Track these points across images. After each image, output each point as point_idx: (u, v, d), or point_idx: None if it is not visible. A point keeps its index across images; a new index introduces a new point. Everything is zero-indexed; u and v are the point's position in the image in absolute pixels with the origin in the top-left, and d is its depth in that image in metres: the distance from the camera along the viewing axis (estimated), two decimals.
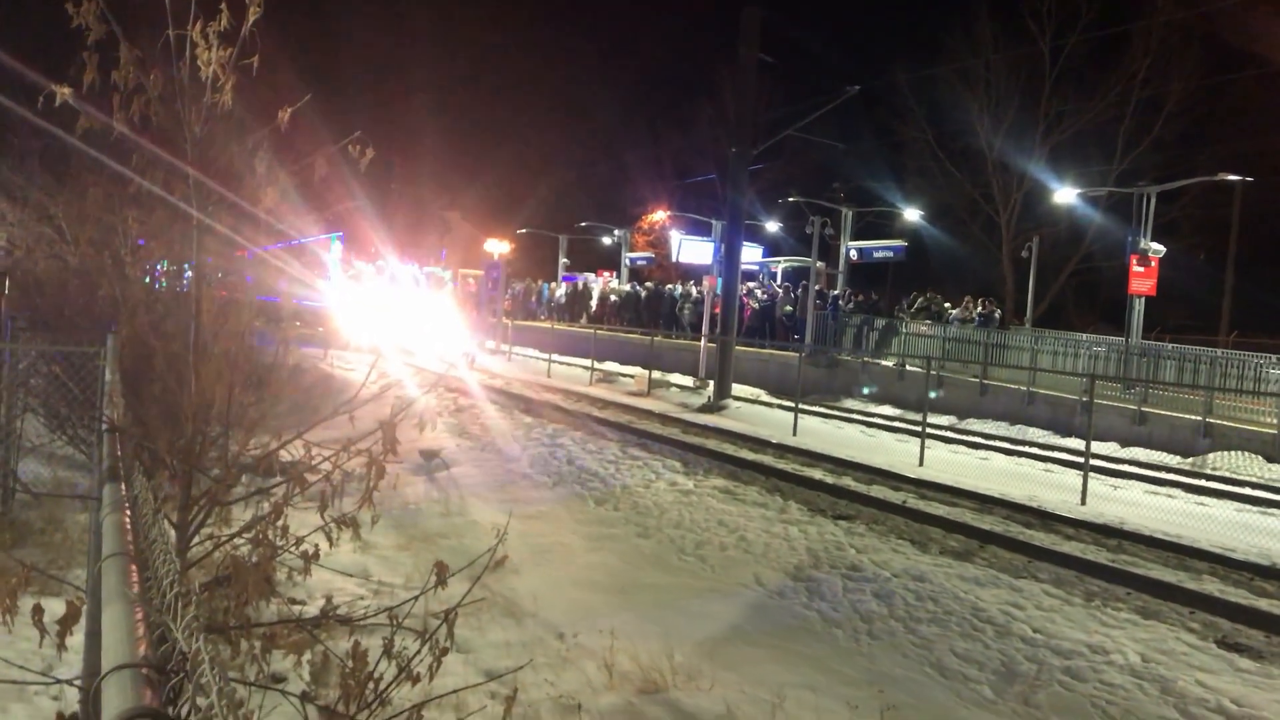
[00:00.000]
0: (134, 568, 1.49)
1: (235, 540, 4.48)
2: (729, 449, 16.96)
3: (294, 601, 7.36)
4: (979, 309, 28.32)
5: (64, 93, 3.59)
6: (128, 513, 2.07)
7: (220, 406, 4.08)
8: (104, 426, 3.99)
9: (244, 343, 4.23)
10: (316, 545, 4.65)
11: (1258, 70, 33.91)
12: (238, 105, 4.14)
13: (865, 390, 27.26)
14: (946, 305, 29.74)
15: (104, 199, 6.22)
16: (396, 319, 32.26)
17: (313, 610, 6.64)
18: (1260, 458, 18.24)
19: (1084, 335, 28.51)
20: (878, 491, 13.82)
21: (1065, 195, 32.78)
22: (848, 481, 14.51)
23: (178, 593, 1.34)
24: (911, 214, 37.71)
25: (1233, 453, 18.66)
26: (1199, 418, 19.73)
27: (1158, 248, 24.05)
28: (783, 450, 17.00)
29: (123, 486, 2.42)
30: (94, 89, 3.71)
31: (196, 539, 4.36)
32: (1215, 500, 14.69)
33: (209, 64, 3.90)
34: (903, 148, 45.32)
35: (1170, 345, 25.21)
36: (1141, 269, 23.92)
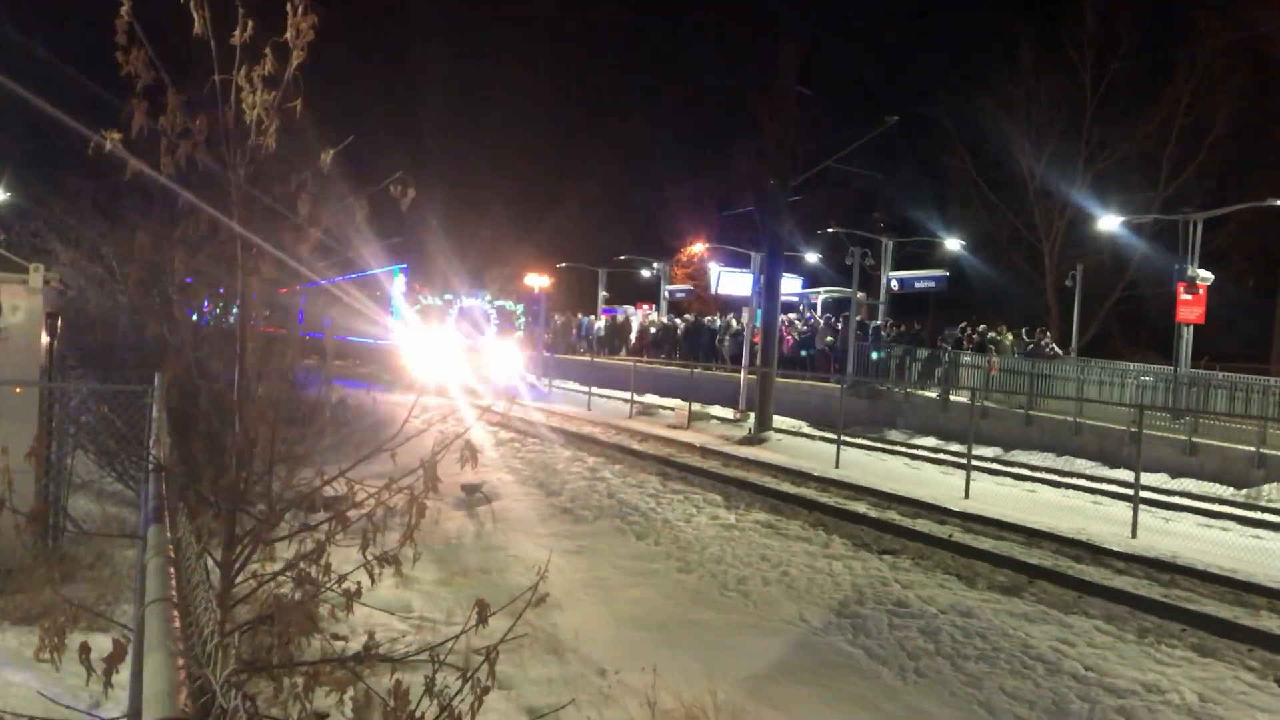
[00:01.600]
0: (176, 613, 1.49)
1: (279, 578, 4.50)
2: (770, 482, 16.83)
3: (336, 637, 7.37)
4: (1029, 339, 27.98)
5: (113, 138, 3.67)
6: (172, 554, 2.08)
7: (264, 444, 4.11)
8: (150, 466, 4.04)
9: (288, 381, 4.27)
10: (358, 582, 4.66)
11: None
12: (283, 147, 4.21)
13: (908, 421, 27.01)
14: (1000, 334, 28.93)
15: (151, 241, 6.34)
16: (463, 355, 31.55)
17: (355, 646, 6.64)
18: None
19: (1131, 364, 28.07)
20: (923, 525, 13.64)
21: (1109, 223, 32.36)
22: (892, 515, 14.33)
23: (218, 643, 1.33)
24: (953, 243, 37.43)
25: None
26: (1252, 448, 19.30)
27: (1206, 275, 23.64)
28: (825, 483, 16.85)
29: (167, 527, 2.44)
30: (142, 134, 3.79)
31: (241, 576, 4.38)
32: (1271, 533, 14.30)
33: (253, 108, 3.97)
34: (943, 177, 45.13)
35: (1220, 374, 24.71)
36: (1189, 297, 23.52)
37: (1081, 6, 39.71)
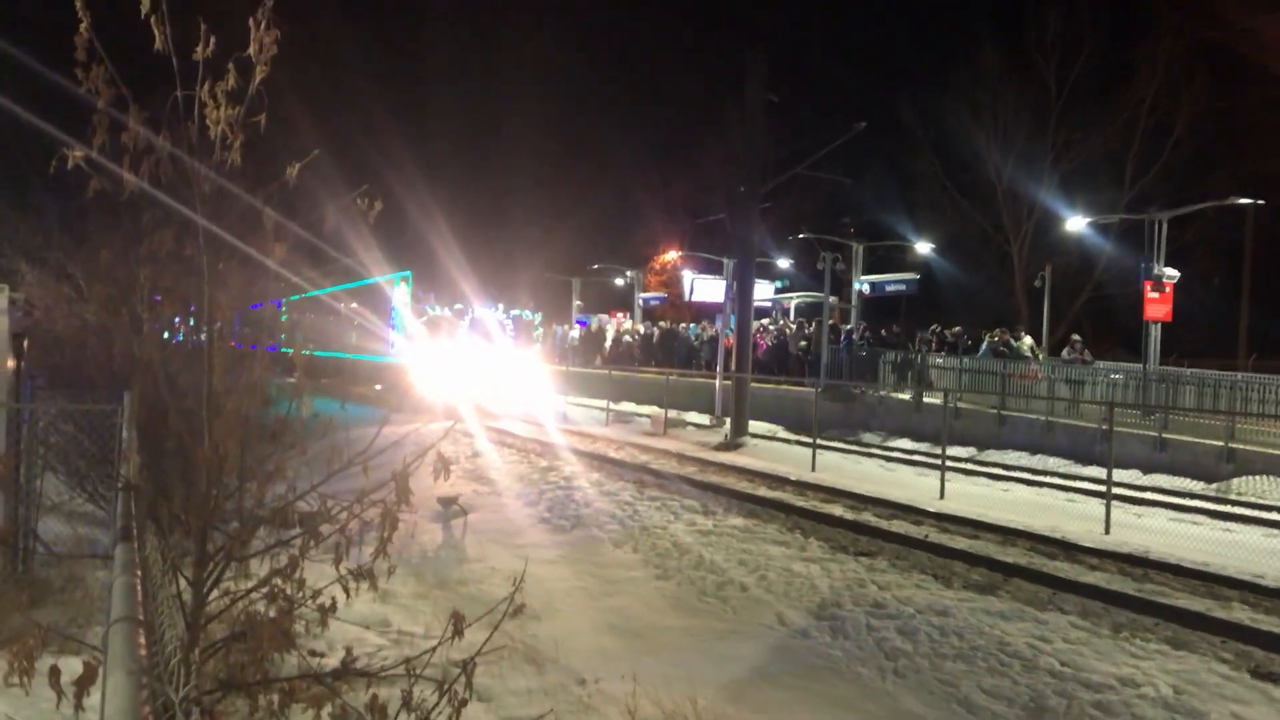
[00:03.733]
0: (141, 631, 1.48)
1: (252, 594, 4.47)
2: (747, 487, 16.87)
3: (314, 654, 7.32)
4: (995, 338, 27.99)
5: (75, 155, 3.65)
6: (139, 574, 2.06)
7: (234, 460, 4.08)
8: (120, 484, 4.00)
9: (258, 396, 4.25)
10: (333, 597, 4.63)
11: (1265, 90, 34.03)
12: (251, 158, 4.19)
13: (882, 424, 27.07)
14: (1018, 340, 27.92)
15: (118, 258, 6.28)
16: (476, 371, 29.49)
17: (333, 661, 6.60)
18: None
19: (1101, 363, 28.31)
20: (898, 526, 13.70)
21: (1076, 224, 32.71)
22: (868, 517, 14.39)
23: (180, 660, 1.33)
24: (923, 247, 37.72)
25: (1257, 477, 18.43)
26: (1221, 443, 19.53)
27: (1172, 273, 23.94)
28: (802, 487, 16.90)
29: (135, 546, 2.42)
30: (104, 150, 3.76)
31: (214, 594, 4.35)
32: (1241, 526, 14.49)
33: (217, 123, 3.95)
34: (912, 181, 45.58)
35: (1189, 370, 25.00)
36: (1156, 295, 23.80)
37: (1044, 9, 40.27)
